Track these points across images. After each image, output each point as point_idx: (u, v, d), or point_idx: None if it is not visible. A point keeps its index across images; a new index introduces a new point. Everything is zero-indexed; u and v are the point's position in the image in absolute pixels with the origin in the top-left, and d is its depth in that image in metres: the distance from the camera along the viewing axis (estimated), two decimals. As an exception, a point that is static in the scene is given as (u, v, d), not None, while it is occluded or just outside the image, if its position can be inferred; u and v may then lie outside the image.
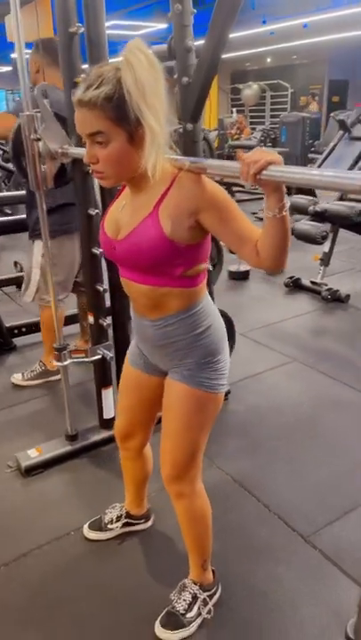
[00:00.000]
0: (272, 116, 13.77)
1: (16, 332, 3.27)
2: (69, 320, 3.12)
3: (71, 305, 3.08)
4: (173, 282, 1.23)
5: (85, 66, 1.85)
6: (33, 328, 3.33)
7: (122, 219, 1.25)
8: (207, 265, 1.29)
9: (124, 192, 1.30)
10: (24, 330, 3.30)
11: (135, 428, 1.59)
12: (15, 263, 4.72)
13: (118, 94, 1.05)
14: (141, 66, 1.02)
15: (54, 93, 1.96)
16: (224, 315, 2.34)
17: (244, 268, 4.58)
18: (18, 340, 3.36)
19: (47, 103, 1.81)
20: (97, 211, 2.00)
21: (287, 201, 1.05)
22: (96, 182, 2.02)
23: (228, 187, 8.23)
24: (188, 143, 2.18)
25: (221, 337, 1.35)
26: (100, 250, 2.05)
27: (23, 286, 2.74)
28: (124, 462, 1.72)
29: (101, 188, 2.02)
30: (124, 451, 1.68)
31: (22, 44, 1.78)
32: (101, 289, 2.10)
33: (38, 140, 1.81)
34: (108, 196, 2.00)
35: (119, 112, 1.07)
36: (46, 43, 2.51)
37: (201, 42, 1.87)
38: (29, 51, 2.61)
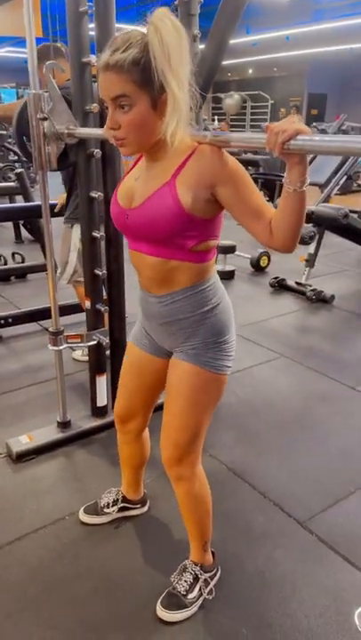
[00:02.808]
0: (252, 126, 13.98)
1: (2, 322, 3.21)
2: (70, 310, 3.10)
3: (72, 295, 3.06)
4: (184, 255, 1.22)
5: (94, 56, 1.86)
6: (19, 319, 3.29)
7: (136, 188, 1.23)
8: (218, 241, 1.28)
9: (139, 164, 1.29)
10: (10, 321, 3.24)
11: (135, 410, 1.58)
12: (-2, 256, 4.66)
13: (145, 58, 1.05)
14: (168, 31, 1.03)
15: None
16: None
17: (229, 267, 4.62)
18: (4, 331, 3.31)
19: (55, 82, 1.80)
20: (99, 193, 1.99)
21: (308, 176, 1.05)
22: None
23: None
24: (189, 132, 2.20)
25: (229, 317, 1.34)
26: (101, 233, 2.04)
27: (59, 269, 2.72)
28: (122, 446, 1.70)
29: (104, 173, 2.01)
30: (122, 434, 1.66)
31: (33, 38, 1.76)
32: (100, 273, 2.09)
33: (45, 119, 1.79)
34: (111, 179, 2.01)
35: (144, 76, 1.07)
36: (47, 48, 2.48)
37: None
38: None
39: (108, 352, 2.24)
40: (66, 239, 2.67)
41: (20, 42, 10.68)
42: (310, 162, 5.78)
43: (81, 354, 2.99)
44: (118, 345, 2.25)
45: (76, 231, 2.59)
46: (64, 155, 1.96)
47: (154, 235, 1.20)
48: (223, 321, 1.32)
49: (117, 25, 1.87)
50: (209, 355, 1.31)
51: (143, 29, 1.09)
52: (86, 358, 2.91)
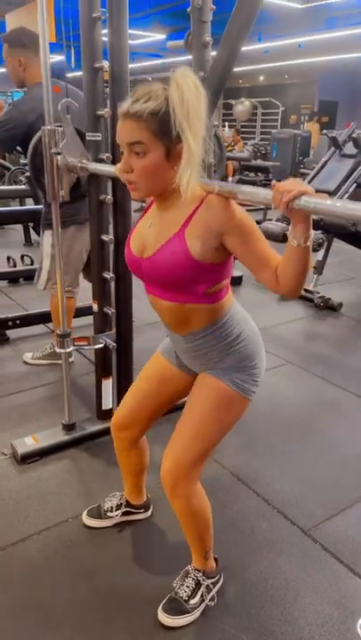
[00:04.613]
0: (262, 133, 14.00)
1: (10, 324, 3.23)
2: (78, 312, 3.09)
3: (83, 297, 3.05)
4: (197, 299, 1.27)
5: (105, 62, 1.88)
6: (26, 321, 3.31)
7: (148, 237, 1.29)
8: (228, 281, 1.32)
9: (151, 210, 1.33)
10: (18, 322, 3.26)
11: (136, 419, 1.57)
12: (8, 258, 4.70)
13: (164, 111, 1.11)
14: (188, 88, 1.09)
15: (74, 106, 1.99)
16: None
17: (237, 273, 4.62)
18: (11, 333, 3.32)
19: (68, 118, 1.85)
20: (108, 197, 2.00)
21: (312, 232, 1.09)
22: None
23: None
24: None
25: (255, 342, 1.37)
26: (110, 237, 2.05)
27: (36, 275, 2.74)
28: (118, 452, 1.68)
29: (114, 203, 2.03)
30: (117, 440, 1.64)
31: (47, 43, 1.78)
32: (108, 277, 2.10)
33: (58, 154, 1.86)
34: (120, 182, 2.02)
35: (162, 127, 1.12)
36: (27, 34, 2.47)
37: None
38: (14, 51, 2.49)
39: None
40: (42, 245, 2.67)
41: (33, 46, 10.75)
42: (320, 169, 5.79)
43: (31, 357, 3.00)
44: (125, 348, 2.26)
45: (47, 237, 2.60)
46: (77, 186, 2.04)
47: (167, 282, 1.26)
48: (248, 348, 1.35)
49: (130, 31, 1.88)
50: (237, 375, 1.34)
51: (164, 84, 1.14)
52: (36, 362, 2.95)
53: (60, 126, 1.85)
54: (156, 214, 1.29)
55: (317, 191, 1.08)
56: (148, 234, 1.29)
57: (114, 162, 1.99)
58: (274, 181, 1.07)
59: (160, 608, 1.48)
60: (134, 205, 2.20)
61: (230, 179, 8.94)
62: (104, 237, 2.05)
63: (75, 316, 2.92)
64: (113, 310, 2.17)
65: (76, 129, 1.88)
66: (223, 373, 1.34)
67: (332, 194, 4.97)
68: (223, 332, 1.32)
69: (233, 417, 1.39)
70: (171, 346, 1.49)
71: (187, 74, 1.10)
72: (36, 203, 3.28)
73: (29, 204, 5.35)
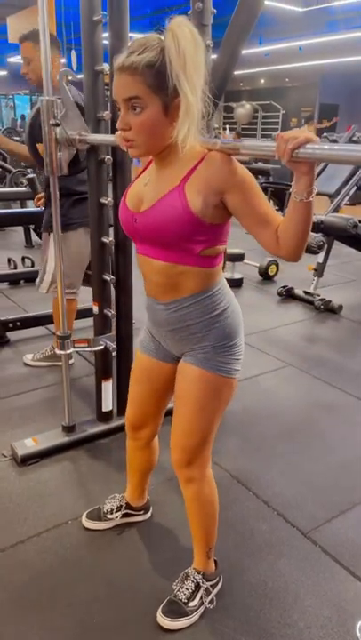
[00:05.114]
0: (263, 135, 14.03)
1: (10, 325, 3.24)
2: (78, 314, 3.10)
3: (84, 299, 3.06)
4: (191, 260, 1.22)
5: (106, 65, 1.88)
6: (27, 323, 3.32)
7: (145, 193, 1.24)
8: (226, 247, 1.28)
9: (149, 169, 1.29)
10: (18, 324, 3.26)
11: (146, 417, 1.58)
12: (9, 260, 4.70)
13: (160, 62, 1.07)
14: (185, 38, 1.04)
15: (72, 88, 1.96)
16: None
17: (237, 275, 4.63)
18: (12, 335, 3.32)
19: (68, 90, 1.82)
20: (109, 199, 2.01)
21: (315, 187, 1.06)
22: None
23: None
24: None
25: (238, 320, 1.34)
26: (110, 239, 2.05)
27: (38, 278, 2.71)
28: (132, 452, 1.69)
29: (114, 178, 2.03)
30: (133, 440, 1.65)
31: (48, 46, 1.78)
32: (108, 279, 2.10)
33: (57, 125, 1.81)
34: (121, 185, 2.03)
35: (158, 80, 1.08)
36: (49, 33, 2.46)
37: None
38: (17, 50, 2.41)
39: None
40: (45, 247, 2.65)
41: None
42: (320, 172, 5.80)
43: (31, 358, 3.00)
44: (125, 350, 2.26)
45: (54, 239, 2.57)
46: (76, 160, 1.98)
47: (162, 238, 1.21)
48: (232, 325, 1.32)
49: (131, 34, 1.89)
50: (219, 359, 1.31)
51: (160, 35, 1.10)
52: (36, 363, 2.96)
53: (60, 98, 1.81)
54: (153, 172, 1.25)
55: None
56: (145, 190, 1.24)
57: (114, 163, 1.99)
58: (278, 132, 1.04)
59: (159, 610, 1.48)
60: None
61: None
62: (104, 239, 2.05)
63: (75, 318, 2.92)
64: (113, 312, 2.17)
65: (75, 102, 1.84)
66: (204, 360, 1.31)
67: (332, 196, 4.99)
68: (211, 304, 1.28)
69: (223, 400, 1.36)
70: (148, 338, 1.47)
71: (183, 22, 1.05)
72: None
73: (30, 207, 5.36)
